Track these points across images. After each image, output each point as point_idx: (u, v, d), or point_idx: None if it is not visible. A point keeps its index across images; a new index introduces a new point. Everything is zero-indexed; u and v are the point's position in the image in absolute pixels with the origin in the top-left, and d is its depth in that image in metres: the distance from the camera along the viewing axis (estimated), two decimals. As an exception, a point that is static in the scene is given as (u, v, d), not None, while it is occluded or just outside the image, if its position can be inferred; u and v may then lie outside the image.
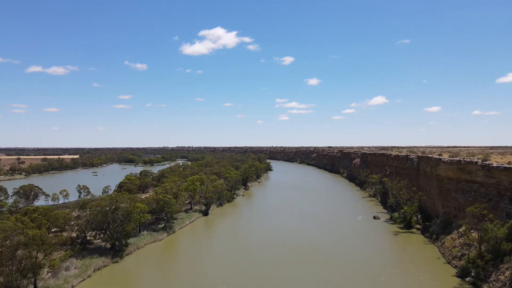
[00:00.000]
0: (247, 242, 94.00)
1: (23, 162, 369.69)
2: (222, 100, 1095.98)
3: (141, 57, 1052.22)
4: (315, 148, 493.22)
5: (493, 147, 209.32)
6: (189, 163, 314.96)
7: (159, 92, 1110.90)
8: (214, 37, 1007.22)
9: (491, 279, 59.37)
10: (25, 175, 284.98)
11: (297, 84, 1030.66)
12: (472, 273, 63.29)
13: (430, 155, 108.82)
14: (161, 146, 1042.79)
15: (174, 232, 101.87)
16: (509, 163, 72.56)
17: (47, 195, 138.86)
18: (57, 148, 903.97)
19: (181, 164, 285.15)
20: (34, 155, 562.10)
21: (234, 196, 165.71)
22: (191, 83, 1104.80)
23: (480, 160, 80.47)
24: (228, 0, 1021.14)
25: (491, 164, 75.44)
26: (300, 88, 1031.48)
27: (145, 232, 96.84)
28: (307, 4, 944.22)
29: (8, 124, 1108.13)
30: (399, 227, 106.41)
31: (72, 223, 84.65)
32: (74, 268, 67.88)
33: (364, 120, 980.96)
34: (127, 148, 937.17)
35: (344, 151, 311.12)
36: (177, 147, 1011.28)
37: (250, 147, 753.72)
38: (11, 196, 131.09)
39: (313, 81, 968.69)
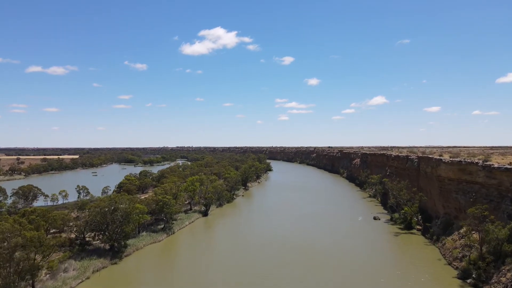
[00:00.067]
0: (247, 242, 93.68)
1: (22, 162, 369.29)
2: (222, 100, 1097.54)
3: (141, 57, 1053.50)
4: (315, 148, 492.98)
5: (493, 147, 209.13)
6: (189, 163, 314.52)
7: (159, 92, 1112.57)
8: (214, 37, 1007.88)
9: (493, 280, 58.94)
10: (24, 176, 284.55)
11: (297, 84, 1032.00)
12: (473, 275, 62.88)
13: (430, 156, 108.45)
14: (161, 146, 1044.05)
15: (173, 233, 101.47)
16: (510, 163, 72.18)
17: (46, 196, 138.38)
18: (57, 148, 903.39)
19: (180, 164, 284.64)
20: (33, 155, 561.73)
21: (234, 196, 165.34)
22: (191, 83, 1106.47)
23: (481, 161, 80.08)
24: (228, 0, 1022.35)
25: (492, 165, 75.05)
26: (300, 88, 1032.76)
27: (144, 233, 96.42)
28: (307, 4, 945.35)
29: (8, 124, 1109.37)
30: (400, 228, 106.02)
31: (71, 224, 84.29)
32: (73, 270, 67.46)
33: (364, 120, 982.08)
34: (127, 148, 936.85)
35: (344, 151, 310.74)
36: (177, 147, 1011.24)
37: (250, 147, 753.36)
38: (10, 196, 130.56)
39: (313, 81, 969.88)
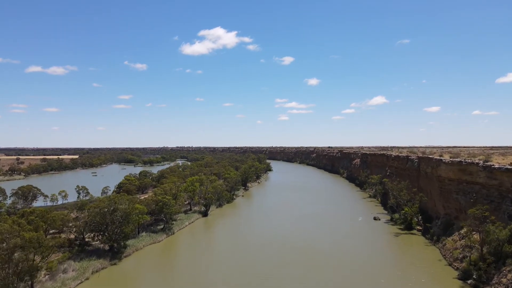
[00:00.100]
0: (247, 242, 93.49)
1: (22, 163, 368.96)
2: (222, 100, 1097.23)
3: (141, 57, 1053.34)
4: (315, 148, 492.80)
5: (493, 147, 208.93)
6: (189, 163, 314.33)
7: (159, 92, 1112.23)
8: (214, 37, 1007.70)
9: (493, 281, 58.73)
10: (24, 176, 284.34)
11: (297, 84, 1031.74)
12: (474, 276, 62.64)
13: (430, 156, 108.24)
14: (161, 146, 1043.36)
15: (173, 233, 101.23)
16: (510, 164, 71.99)
17: (46, 196, 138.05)
18: (57, 148, 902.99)
19: (180, 164, 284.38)
20: (33, 155, 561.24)
21: (234, 196, 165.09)
22: (191, 83, 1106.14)
23: (481, 161, 79.87)
24: (228, 0, 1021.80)
25: (493, 165, 74.84)
26: (300, 88, 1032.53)
27: (144, 233, 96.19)
28: (307, 4, 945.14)
29: (7, 124, 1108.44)
30: (400, 228, 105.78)
31: (70, 224, 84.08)
32: (72, 271, 67.23)
33: (364, 120, 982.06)
34: (127, 148, 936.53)
35: (344, 151, 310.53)
36: (177, 147, 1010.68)
37: (249, 147, 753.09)
38: (10, 197, 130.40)
39: (313, 81, 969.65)
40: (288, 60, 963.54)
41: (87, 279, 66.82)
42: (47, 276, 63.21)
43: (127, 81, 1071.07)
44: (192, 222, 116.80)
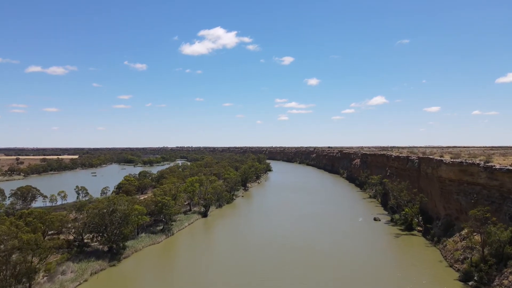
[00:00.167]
0: (247, 243, 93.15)
1: (22, 163, 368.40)
2: (221, 100, 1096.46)
3: (141, 57, 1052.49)
4: (314, 148, 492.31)
5: (493, 147, 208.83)
6: (189, 163, 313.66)
7: (159, 92, 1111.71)
8: (214, 37, 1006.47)
9: (495, 283, 58.39)
10: (23, 176, 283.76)
11: (297, 84, 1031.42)
12: (475, 277, 62.25)
13: (431, 156, 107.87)
14: (161, 146, 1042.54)
15: (172, 234, 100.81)
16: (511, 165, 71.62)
17: (45, 197, 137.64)
18: (57, 148, 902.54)
19: (180, 164, 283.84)
20: (33, 155, 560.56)
21: (234, 197, 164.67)
22: (190, 83, 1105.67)
23: (482, 162, 79.48)
24: (228, 0, 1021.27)
25: (494, 166, 74.46)
26: (300, 88, 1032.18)
27: (143, 234, 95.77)
28: (307, 4, 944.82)
29: (7, 124, 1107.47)
30: (400, 229, 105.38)
31: (69, 225, 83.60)
32: (71, 272, 66.80)
33: (364, 120, 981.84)
34: (126, 148, 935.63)
35: (344, 151, 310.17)
36: (177, 147, 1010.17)
37: (249, 147, 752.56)
38: (9, 197, 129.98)
39: (313, 81, 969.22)
40: (288, 60, 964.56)
41: (85, 280, 66.39)
42: (45, 278, 62.72)
43: (127, 81, 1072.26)
44: (192, 222, 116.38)
